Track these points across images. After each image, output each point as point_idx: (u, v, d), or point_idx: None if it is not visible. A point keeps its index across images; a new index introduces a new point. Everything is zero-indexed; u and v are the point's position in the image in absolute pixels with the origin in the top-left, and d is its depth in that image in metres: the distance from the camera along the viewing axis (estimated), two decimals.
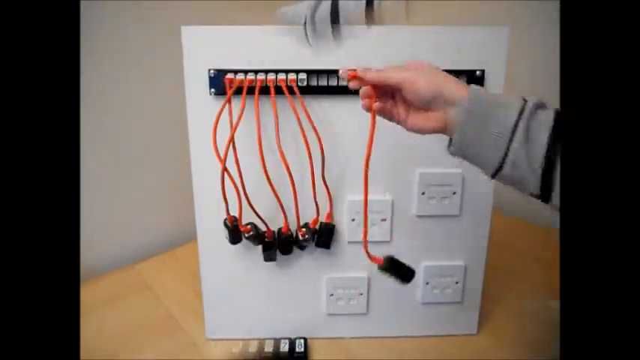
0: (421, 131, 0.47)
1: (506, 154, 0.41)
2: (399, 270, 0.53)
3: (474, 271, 0.69)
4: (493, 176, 0.43)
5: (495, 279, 0.75)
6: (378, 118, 0.49)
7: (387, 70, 0.47)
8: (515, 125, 0.41)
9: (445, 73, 0.46)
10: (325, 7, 0.55)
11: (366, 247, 0.53)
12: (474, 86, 0.44)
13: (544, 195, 0.41)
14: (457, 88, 0.44)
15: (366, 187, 0.51)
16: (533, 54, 0.95)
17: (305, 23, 0.54)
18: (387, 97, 0.48)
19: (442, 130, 0.46)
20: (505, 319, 0.75)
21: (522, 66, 0.82)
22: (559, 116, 0.40)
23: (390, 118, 0.49)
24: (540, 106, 0.42)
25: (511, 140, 0.41)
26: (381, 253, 0.66)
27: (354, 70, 0.47)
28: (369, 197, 0.63)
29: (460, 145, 0.44)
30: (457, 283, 0.69)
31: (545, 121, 0.40)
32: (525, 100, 0.42)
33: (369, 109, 0.48)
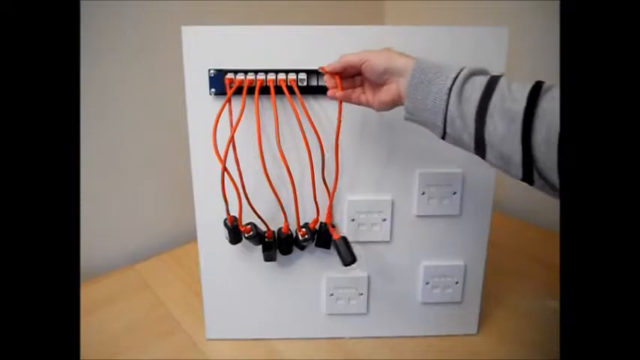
0: (384, 105, 0.52)
1: (445, 116, 0.46)
2: (344, 249, 0.60)
3: (473, 271, 0.69)
4: (443, 137, 0.48)
5: (495, 279, 0.75)
6: (374, 117, 0.55)
7: (346, 55, 0.53)
8: (450, 88, 0.45)
9: (398, 52, 0.51)
10: None
11: (330, 209, 0.62)
12: (419, 57, 0.49)
13: (479, 152, 0.45)
14: (405, 61, 0.49)
15: (337, 162, 0.60)
16: (533, 54, 0.95)
17: None
18: (355, 86, 0.55)
19: (399, 100, 0.50)
20: (505, 319, 0.75)
21: (522, 66, 0.82)
22: (492, 79, 0.44)
23: (359, 103, 0.55)
24: (479, 73, 0.46)
25: (448, 102, 0.45)
26: (381, 253, 0.67)
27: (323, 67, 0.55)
28: (370, 197, 0.64)
29: (411, 111, 0.49)
30: (457, 283, 0.69)
31: (478, 85, 0.44)
32: (464, 68, 0.46)
33: (333, 97, 0.55)
